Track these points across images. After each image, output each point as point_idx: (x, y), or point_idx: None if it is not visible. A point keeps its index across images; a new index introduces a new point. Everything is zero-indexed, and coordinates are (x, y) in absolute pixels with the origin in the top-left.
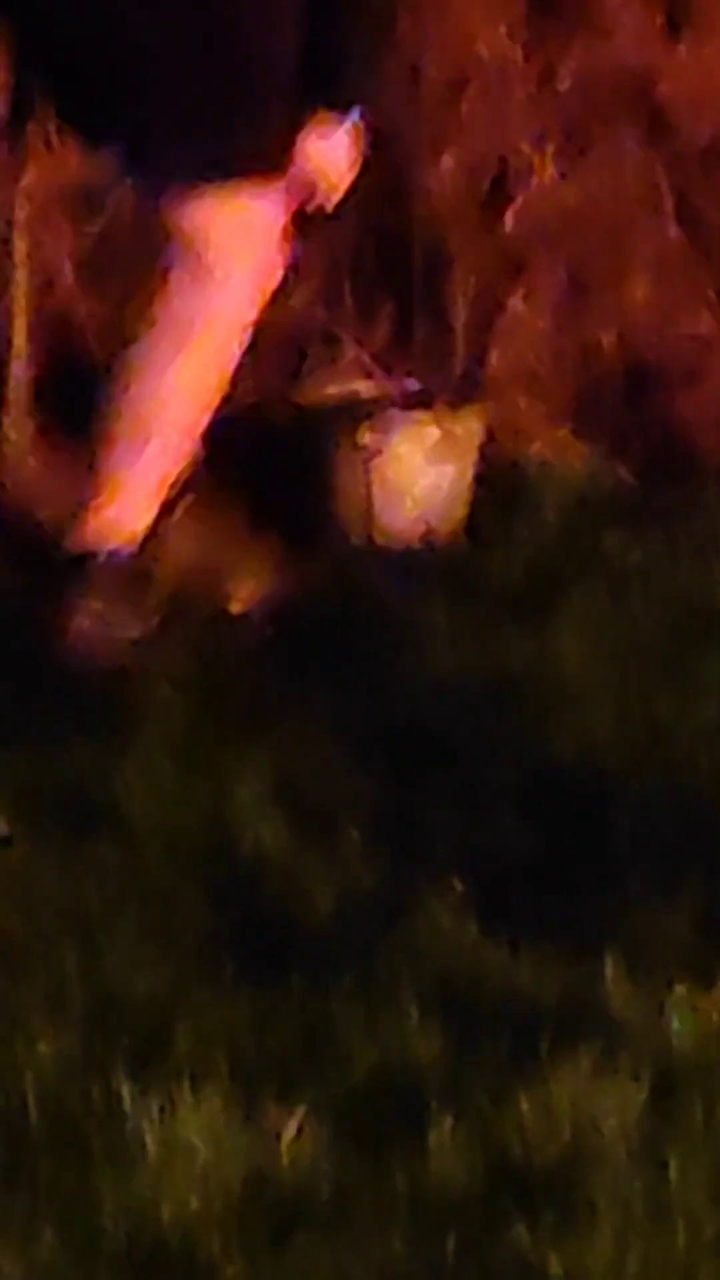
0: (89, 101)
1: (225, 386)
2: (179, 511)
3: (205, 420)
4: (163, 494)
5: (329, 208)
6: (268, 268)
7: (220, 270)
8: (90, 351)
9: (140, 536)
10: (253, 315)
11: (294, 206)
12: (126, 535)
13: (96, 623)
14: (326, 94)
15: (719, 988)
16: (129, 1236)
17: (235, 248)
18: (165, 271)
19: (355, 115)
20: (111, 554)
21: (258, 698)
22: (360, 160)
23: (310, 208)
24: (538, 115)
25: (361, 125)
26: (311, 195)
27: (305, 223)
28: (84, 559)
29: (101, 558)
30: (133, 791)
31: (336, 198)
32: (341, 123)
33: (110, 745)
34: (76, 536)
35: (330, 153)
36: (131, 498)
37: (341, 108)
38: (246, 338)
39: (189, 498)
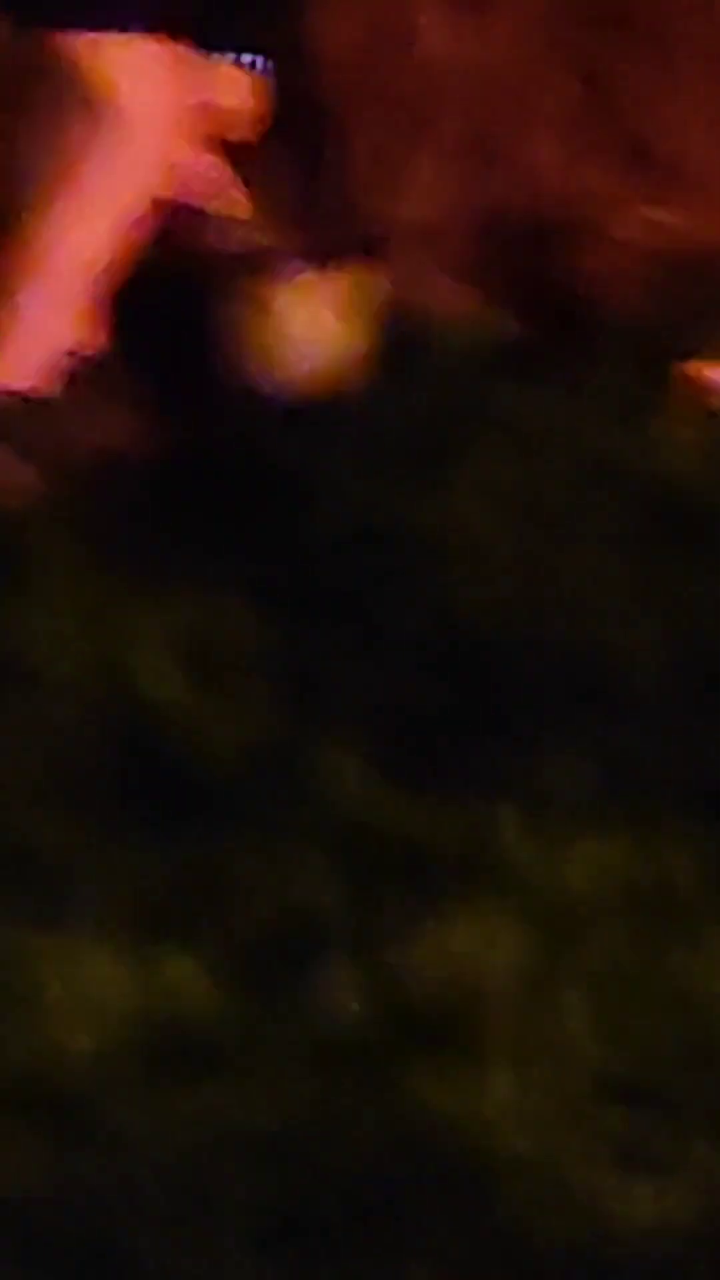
0: None
1: (127, 245)
2: (77, 380)
3: (104, 275)
4: (60, 339)
5: (231, 137)
6: (176, 133)
7: (129, 129)
8: None
9: (35, 384)
10: (158, 179)
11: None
12: (23, 383)
13: None
14: (226, 38)
15: (615, 837)
16: (30, 1080)
17: (146, 106)
18: (61, 112)
19: (256, 62)
20: (8, 403)
21: (158, 551)
22: (262, 105)
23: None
24: None
25: (261, 72)
26: (212, 125)
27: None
28: None
29: None
30: (35, 641)
31: (238, 131)
32: (240, 66)
33: (10, 597)
34: None
35: (228, 87)
36: (28, 346)
37: (240, 52)
38: (152, 197)
39: (87, 361)
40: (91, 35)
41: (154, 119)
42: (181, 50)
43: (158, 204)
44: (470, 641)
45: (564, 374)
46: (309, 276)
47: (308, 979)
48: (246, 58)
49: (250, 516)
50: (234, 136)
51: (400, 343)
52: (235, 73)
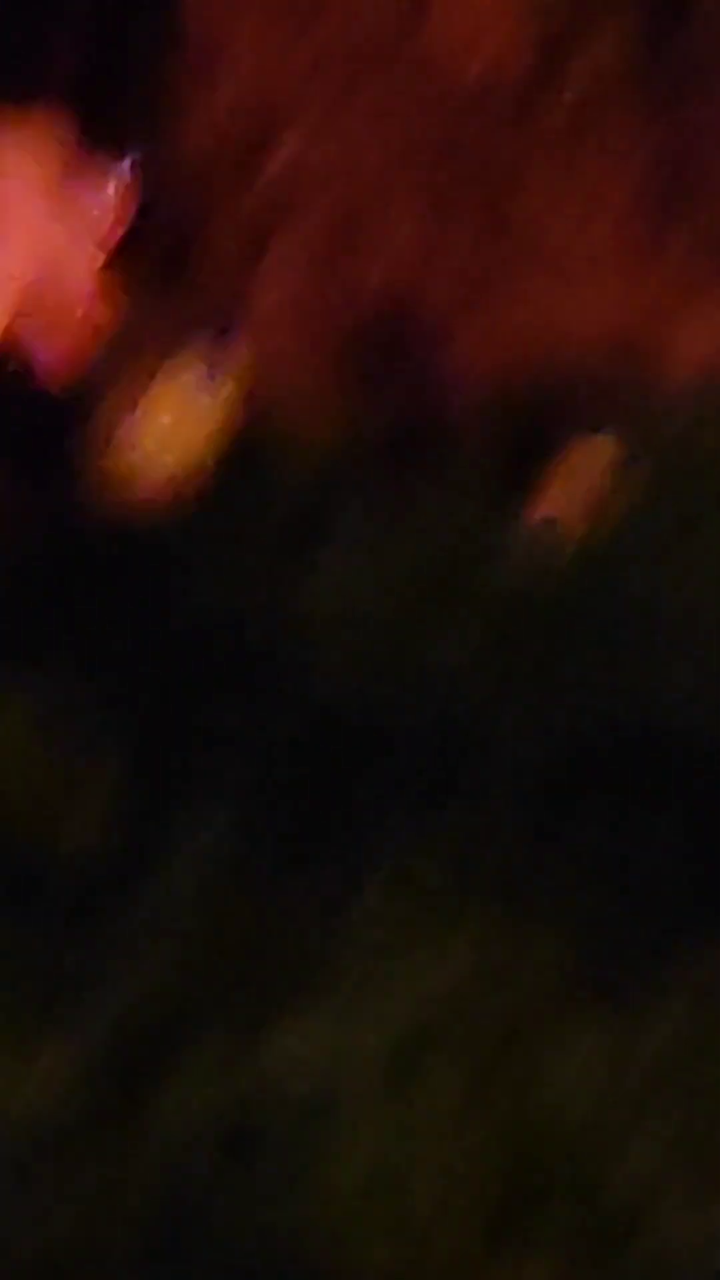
0: None
1: None
2: None
3: None
4: None
5: (100, 243)
6: (48, 219)
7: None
8: None
9: None
10: (16, 275)
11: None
12: None
13: None
14: (100, 138)
15: (474, 923)
16: None
17: (19, 186)
18: None
19: (126, 165)
20: None
21: (14, 641)
22: (131, 208)
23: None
24: (302, 54)
25: (132, 176)
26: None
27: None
28: None
29: None
30: None
31: (105, 234)
32: (112, 169)
33: None
34: None
35: (97, 194)
36: None
37: (114, 154)
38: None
39: None
40: None
41: (27, 200)
42: (59, 136)
43: (23, 292)
44: (329, 728)
45: (430, 462)
46: (170, 365)
47: (165, 1064)
48: (120, 161)
49: (108, 600)
50: (102, 237)
51: (261, 431)
52: (108, 173)
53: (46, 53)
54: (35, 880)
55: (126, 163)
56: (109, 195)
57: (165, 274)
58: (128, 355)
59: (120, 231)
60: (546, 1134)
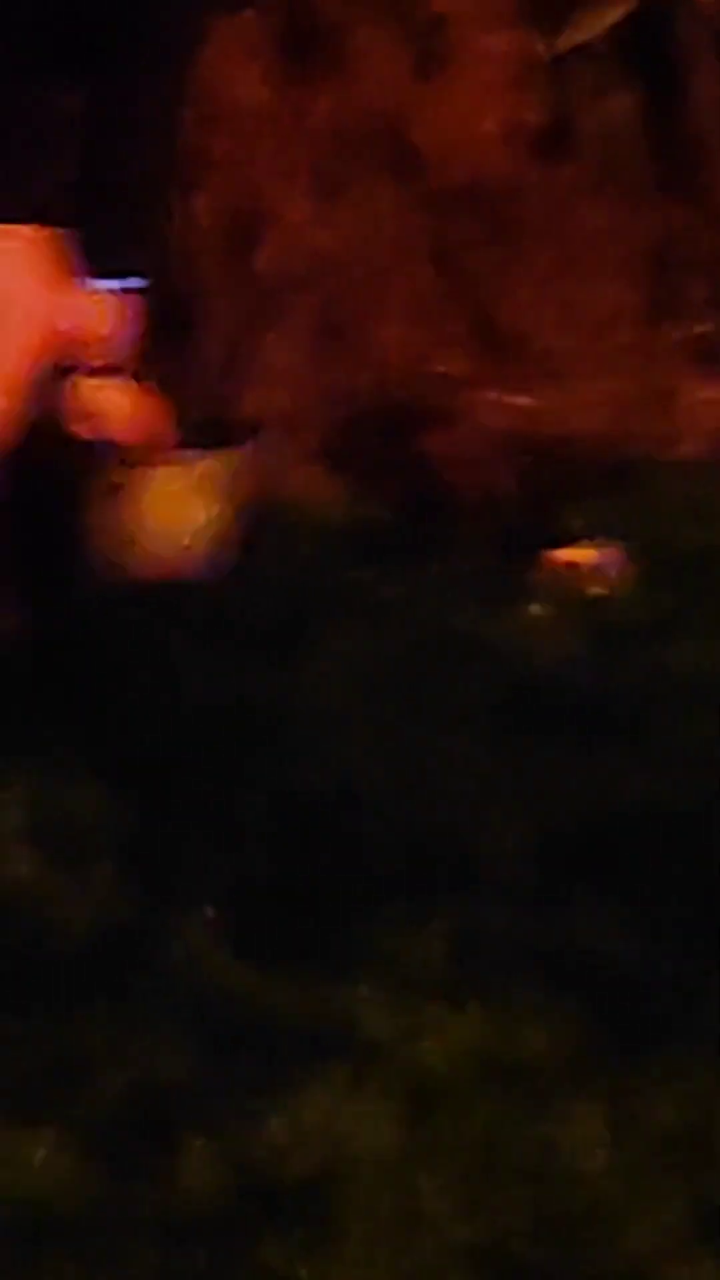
0: None
1: None
2: None
3: None
4: None
5: (98, 364)
6: (36, 329)
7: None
8: None
9: None
10: (18, 383)
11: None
12: None
13: None
14: (98, 259)
15: (469, 1009)
16: None
17: (19, 296)
18: None
19: (127, 284)
20: None
21: (8, 733)
22: (133, 326)
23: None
24: (290, 158)
25: (132, 294)
26: (77, 351)
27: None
28: None
29: None
30: None
31: (104, 358)
32: (111, 289)
33: None
34: None
35: (95, 314)
36: None
37: (112, 275)
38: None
39: None
40: None
41: (25, 310)
42: (55, 250)
43: (25, 388)
44: (322, 816)
45: (423, 556)
46: (163, 460)
47: (159, 1155)
48: (117, 282)
49: (101, 697)
50: (97, 358)
51: (258, 525)
52: (104, 296)
53: (38, 170)
54: (32, 968)
55: (119, 280)
56: (100, 307)
57: (160, 370)
58: (132, 449)
59: (114, 340)
60: (555, 1205)
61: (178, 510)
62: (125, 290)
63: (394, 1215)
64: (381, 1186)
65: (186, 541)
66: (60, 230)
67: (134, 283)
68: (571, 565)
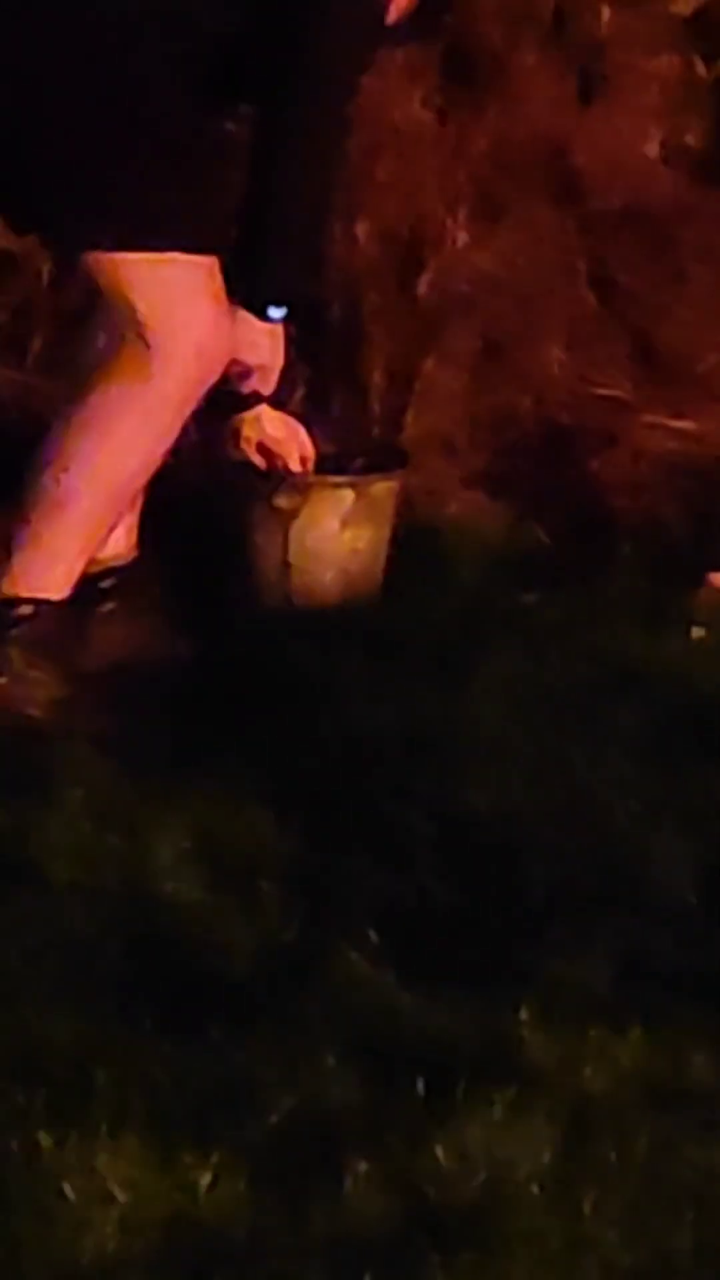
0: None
1: (155, 464)
2: (111, 602)
3: (133, 489)
4: (87, 555)
5: (251, 391)
6: (207, 356)
7: (160, 359)
8: (10, 420)
9: (63, 598)
10: (188, 410)
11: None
12: (49, 594)
13: (15, 680)
14: (249, 295)
15: (631, 1034)
16: None
17: (172, 327)
18: (98, 338)
19: (278, 315)
20: (33, 613)
21: (176, 757)
22: (282, 357)
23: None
24: (452, 182)
25: (283, 326)
26: (232, 378)
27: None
28: (4, 618)
29: (22, 616)
30: (53, 850)
31: (255, 385)
32: (276, 318)
33: (29, 803)
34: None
35: (247, 343)
36: (55, 559)
37: (263, 309)
38: (181, 424)
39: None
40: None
41: (189, 356)
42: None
43: (187, 420)
44: (485, 841)
45: (585, 580)
46: (326, 485)
47: (325, 1179)
48: (273, 312)
49: (265, 720)
50: (265, 387)
51: (418, 549)
52: (270, 327)
53: (212, 200)
54: (199, 994)
55: (283, 309)
56: (268, 338)
57: (324, 396)
58: (294, 473)
59: (279, 369)
60: (718, 1230)
61: (341, 535)
62: (287, 319)
63: (557, 1240)
64: (545, 1211)
65: (349, 565)
66: (232, 259)
67: (297, 312)
68: None
